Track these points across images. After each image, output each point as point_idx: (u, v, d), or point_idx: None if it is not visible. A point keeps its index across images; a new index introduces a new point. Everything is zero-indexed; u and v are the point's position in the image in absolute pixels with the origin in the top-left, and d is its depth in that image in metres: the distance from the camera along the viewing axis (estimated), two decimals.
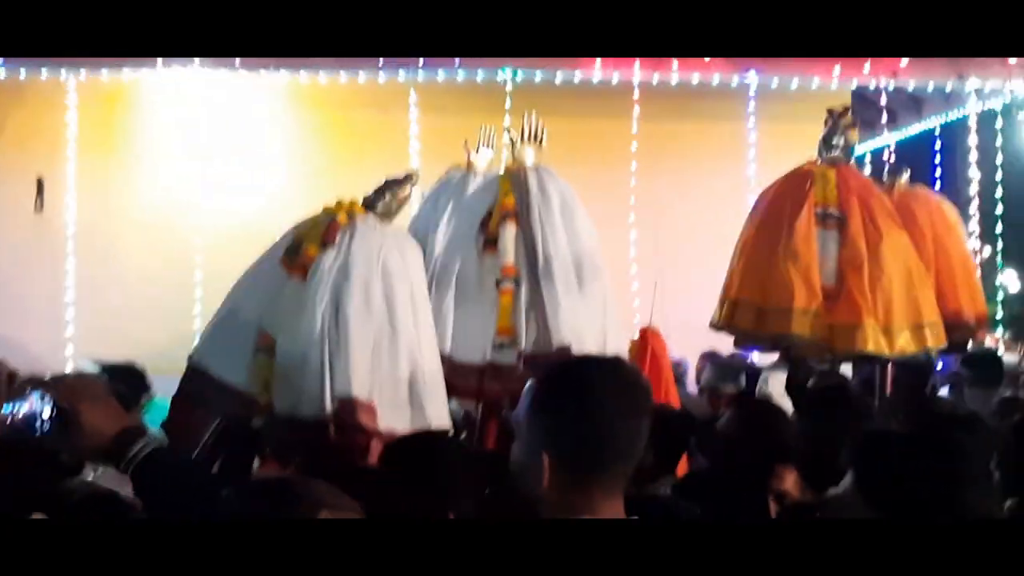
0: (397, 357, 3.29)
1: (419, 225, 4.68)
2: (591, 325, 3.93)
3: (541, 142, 4.25)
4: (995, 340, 9.58)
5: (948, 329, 5.20)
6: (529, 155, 4.21)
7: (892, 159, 10.13)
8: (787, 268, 4.73)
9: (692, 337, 6.26)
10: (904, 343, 4.73)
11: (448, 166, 4.67)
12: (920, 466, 1.96)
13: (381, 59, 8.48)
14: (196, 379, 3.39)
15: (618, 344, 4.05)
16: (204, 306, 8.33)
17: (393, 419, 3.16)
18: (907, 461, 1.98)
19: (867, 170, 8.49)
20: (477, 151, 4.90)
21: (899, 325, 4.72)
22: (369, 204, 3.61)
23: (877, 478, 2.00)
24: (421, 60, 8.44)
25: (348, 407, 3.13)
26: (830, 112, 5.17)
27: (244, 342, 3.36)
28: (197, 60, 8.28)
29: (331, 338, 3.21)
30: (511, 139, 4.24)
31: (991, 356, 6.11)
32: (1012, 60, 8.34)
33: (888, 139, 10.40)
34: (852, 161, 5.15)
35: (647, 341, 5.16)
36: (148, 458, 2.01)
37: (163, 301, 8.73)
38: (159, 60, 8.29)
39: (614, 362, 1.99)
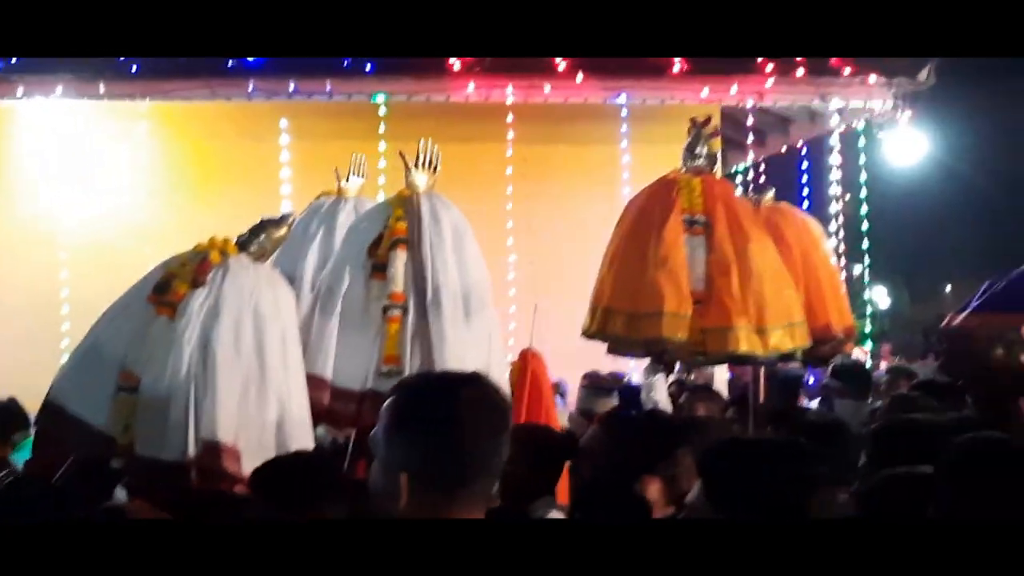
0: (265, 401, 3.25)
1: (288, 252, 4.62)
2: (476, 357, 3.91)
3: (435, 168, 4.22)
4: (864, 353, 9.93)
5: (817, 342, 5.36)
6: (422, 181, 4.18)
7: (760, 177, 10.46)
8: (657, 274, 4.81)
9: (572, 358, 6.33)
10: (777, 341, 4.84)
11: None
12: (761, 472, 2.02)
13: (251, 84, 8.41)
14: (52, 416, 3.29)
15: (501, 377, 4.06)
16: (72, 339, 8.10)
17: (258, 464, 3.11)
18: (750, 467, 2.04)
19: (738, 191, 8.75)
20: (348, 179, 4.91)
21: (772, 323, 4.83)
22: (243, 244, 3.56)
23: (721, 484, 2.05)
24: (292, 85, 8.41)
25: (212, 451, 3.07)
26: (692, 121, 5.28)
27: (105, 380, 3.26)
28: (59, 89, 8.10)
29: (198, 379, 3.15)
30: (404, 164, 4.20)
31: (860, 368, 6.32)
32: (872, 79, 8.73)
33: (757, 158, 10.73)
34: (716, 169, 5.27)
35: (527, 362, 5.19)
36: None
37: (29, 334, 8.47)
38: (20, 89, 8.11)
39: (472, 379, 1.99)
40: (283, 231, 3.68)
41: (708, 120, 5.31)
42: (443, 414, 1.86)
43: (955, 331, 5.34)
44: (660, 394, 4.41)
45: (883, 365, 8.27)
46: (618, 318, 4.96)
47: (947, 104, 14.33)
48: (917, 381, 5.98)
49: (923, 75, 8.57)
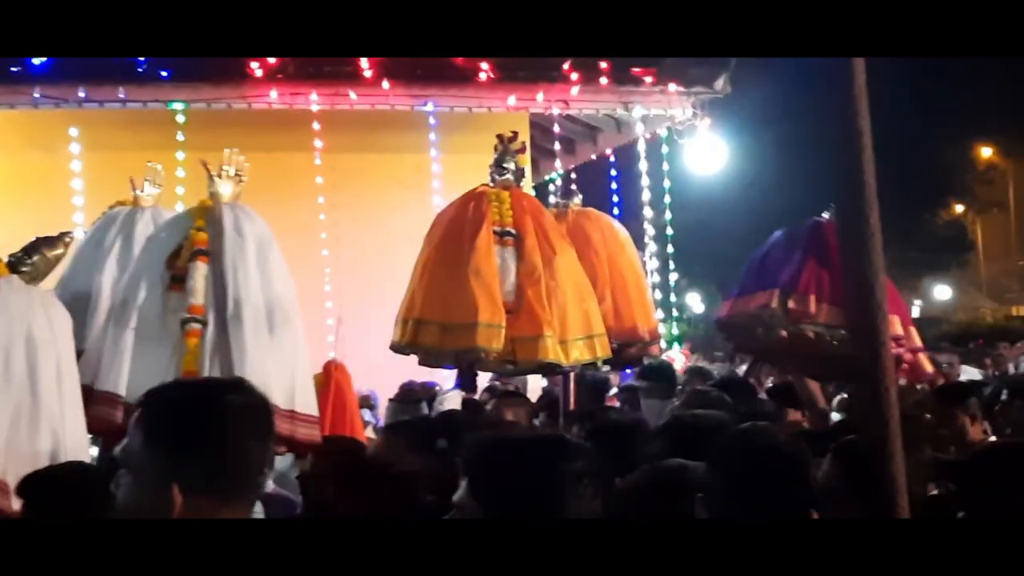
0: (37, 431, 3.10)
1: (84, 265, 4.43)
2: (279, 373, 3.84)
3: (240, 178, 4.13)
4: (687, 355, 10.28)
5: (625, 344, 5.54)
6: (226, 191, 4.08)
7: (568, 184, 10.68)
8: (470, 284, 4.87)
9: (385, 369, 6.32)
10: (579, 353, 4.98)
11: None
12: (519, 467, 2.07)
13: (37, 91, 8.02)
14: None
15: (306, 392, 4.01)
16: None
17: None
18: (508, 463, 2.09)
19: (552, 198, 8.94)
20: (143, 189, 4.77)
21: (574, 336, 4.98)
22: (13, 264, 3.38)
23: (483, 482, 2.09)
24: (82, 92, 8.06)
25: None
26: (500, 137, 5.39)
27: None
28: None
29: None
30: (207, 173, 4.09)
31: (666, 368, 6.55)
32: (671, 88, 9.08)
33: (567, 165, 10.97)
34: (522, 183, 5.40)
35: (331, 374, 5.17)
36: None
37: None
38: None
39: (235, 383, 1.99)
40: (59, 250, 3.52)
41: (515, 136, 5.42)
42: (209, 421, 1.84)
43: (724, 323, 5.60)
44: (451, 406, 4.47)
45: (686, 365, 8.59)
46: (430, 329, 4.99)
47: (746, 111, 15.07)
48: (715, 380, 6.24)
49: (719, 84, 8.97)
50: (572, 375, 5.54)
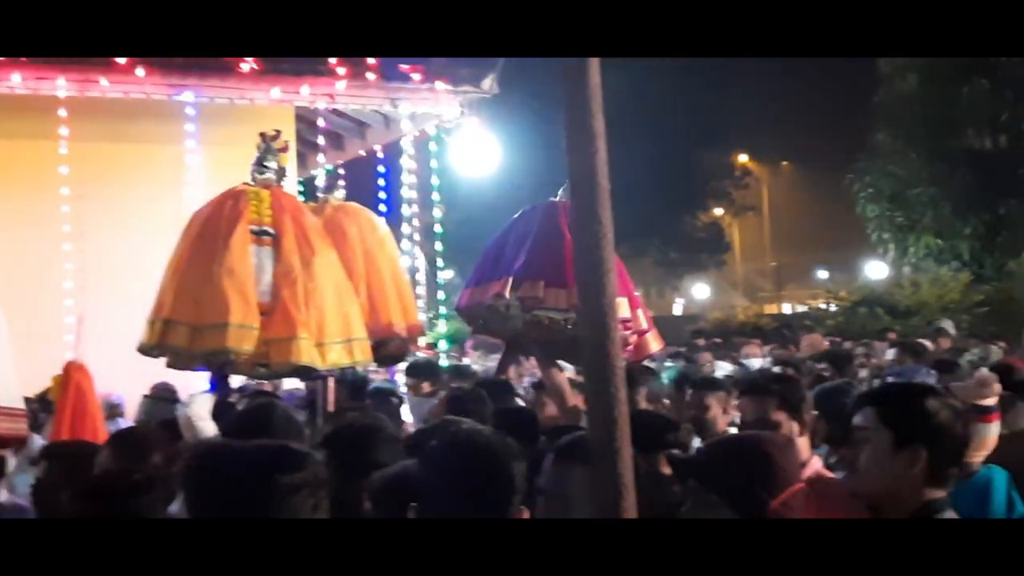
0: None
1: None
2: None
3: None
4: (470, 354, 10.28)
5: (383, 341, 5.50)
6: None
7: (336, 179, 10.53)
8: (223, 284, 4.72)
9: (134, 373, 6.02)
10: (336, 357, 4.91)
11: None
12: (230, 478, 2.00)
13: None
14: None
15: (9, 392, 3.78)
16: None
17: None
18: (219, 474, 2.01)
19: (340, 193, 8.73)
20: None
21: (331, 339, 4.90)
22: None
23: (192, 491, 2.01)
24: None
25: None
26: (262, 136, 5.26)
27: None
28: None
29: None
30: None
31: (431, 366, 6.58)
32: (439, 86, 9.09)
33: (334, 160, 10.82)
34: (283, 182, 5.28)
35: (71, 375, 4.90)
36: None
37: None
38: None
39: None
40: None
41: (278, 134, 5.31)
42: None
43: (464, 312, 5.66)
44: (195, 409, 4.28)
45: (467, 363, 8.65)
46: (180, 330, 4.80)
47: (517, 111, 15.33)
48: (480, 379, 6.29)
49: (487, 83, 9.06)
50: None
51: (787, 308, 38.17)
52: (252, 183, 5.16)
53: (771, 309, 39.01)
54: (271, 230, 5.00)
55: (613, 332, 2.08)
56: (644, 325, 5.84)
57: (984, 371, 3.71)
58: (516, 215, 5.62)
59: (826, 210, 38.31)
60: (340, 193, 6.07)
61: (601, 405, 2.05)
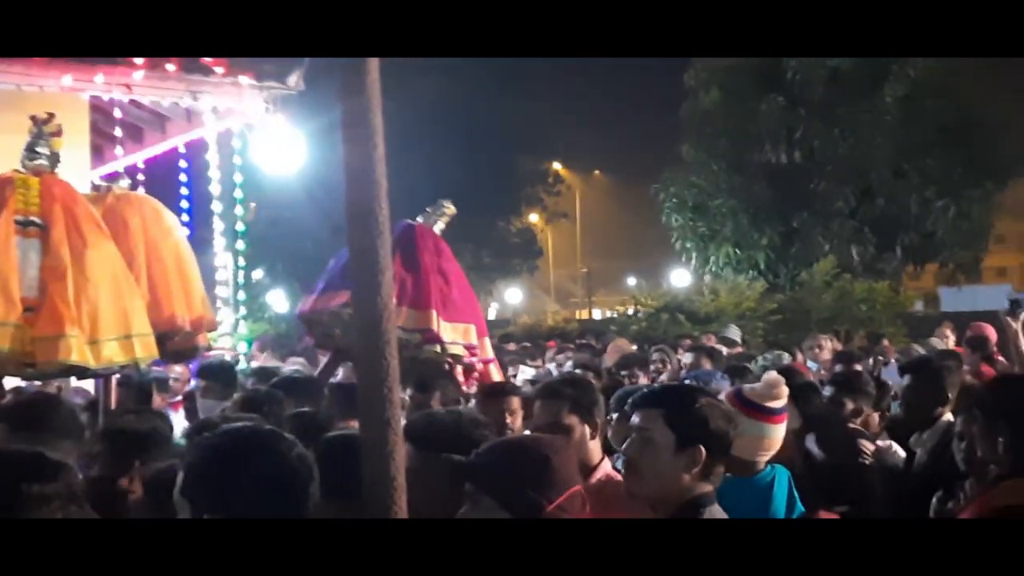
0: None
1: None
2: None
3: None
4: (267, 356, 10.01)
5: (166, 335, 5.31)
6: None
7: (136, 173, 10.17)
8: None
9: None
10: (112, 353, 4.70)
11: None
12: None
13: None
14: None
15: None
16: None
17: None
18: None
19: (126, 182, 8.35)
20: None
21: (107, 335, 4.69)
22: None
23: None
24: None
25: None
26: (33, 119, 4.99)
27: None
28: None
29: None
30: None
31: (225, 368, 6.39)
32: (242, 81, 8.88)
33: (131, 152, 10.41)
34: (57, 169, 5.03)
35: None
36: None
37: None
38: None
39: None
40: None
41: (50, 117, 5.04)
42: None
43: (306, 317, 5.62)
44: None
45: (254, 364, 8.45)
46: None
47: (325, 110, 15.10)
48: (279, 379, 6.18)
49: (292, 80, 8.92)
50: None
51: (597, 314, 39.11)
52: (22, 169, 4.90)
53: (582, 314, 39.89)
54: (39, 220, 4.73)
55: (388, 333, 2.09)
56: (490, 355, 5.92)
57: (773, 374, 3.89)
58: None
59: (635, 219, 39.62)
60: (124, 182, 5.84)
61: (374, 406, 2.06)
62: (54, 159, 4.94)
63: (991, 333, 9.74)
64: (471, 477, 2.62)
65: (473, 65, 24.91)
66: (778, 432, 3.69)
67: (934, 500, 4.28)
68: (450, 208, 6.18)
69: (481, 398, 5.13)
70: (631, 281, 39.99)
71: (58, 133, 5.02)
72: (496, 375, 6.12)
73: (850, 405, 5.31)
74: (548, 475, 2.58)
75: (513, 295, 43.49)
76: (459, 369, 5.83)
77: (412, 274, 5.29)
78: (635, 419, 2.91)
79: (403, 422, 2.06)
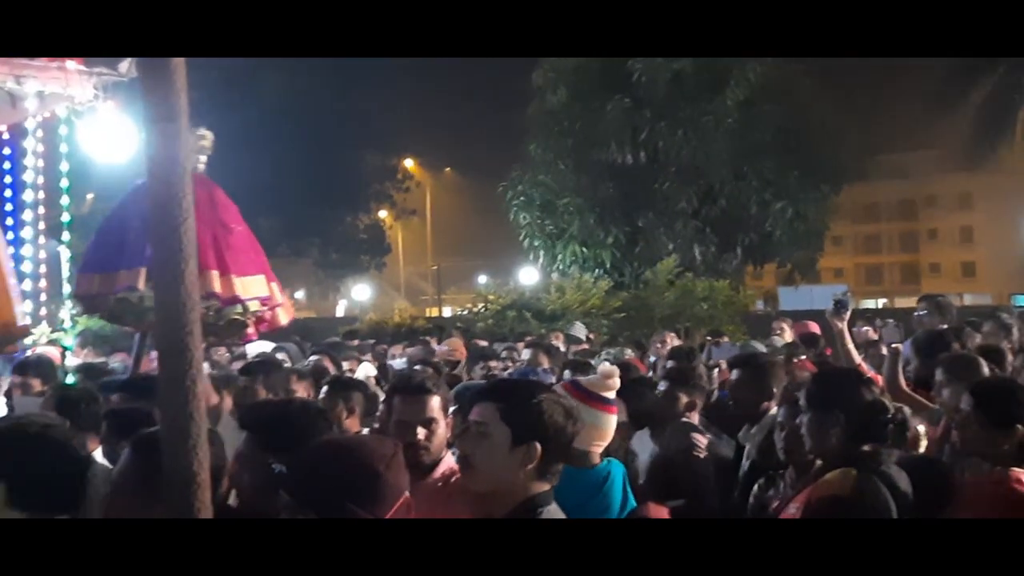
0: None
1: None
2: None
3: None
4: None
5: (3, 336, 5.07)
6: None
7: None
8: None
9: None
10: None
11: None
12: None
13: None
14: None
15: None
16: None
17: None
18: None
19: None
20: None
21: None
22: None
23: None
24: None
25: None
26: None
27: None
28: None
29: None
30: None
31: (43, 362, 6.15)
32: (70, 66, 8.50)
33: None
34: None
35: None
36: None
37: None
38: None
39: None
40: None
41: None
42: None
43: (86, 301, 5.39)
44: None
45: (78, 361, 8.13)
46: None
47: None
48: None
49: (124, 67, 8.58)
50: None
51: (447, 311, 39.12)
52: None
53: (432, 312, 39.84)
54: None
55: (192, 324, 2.00)
56: (279, 299, 5.77)
57: (607, 364, 3.92)
58: (130, 192, 5.30)
59: (486, 216, 39.76)
60: None
61: (175, 399, 1.96)
62: None
63: (818, 331, 10.17)
64: (289, 488, 2.42)
65: (320, 61, 24.60)
66: (612, 422, 3.73)
67: (755, 488, 4.41)
68: (208, 136, 5.70)
69: (327, 392, 5.03)
70: (481, 279, 40.21)
71: None
72: (284, 317, 5.95)
73: (684, 399, 5.43)
74: (375, 486, 2.40)
75: (361, 292, 43.12)
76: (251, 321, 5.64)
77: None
78: (472, 413, 2.87)
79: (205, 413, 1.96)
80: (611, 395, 3.75)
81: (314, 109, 27.75)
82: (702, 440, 5.10)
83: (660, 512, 3.48)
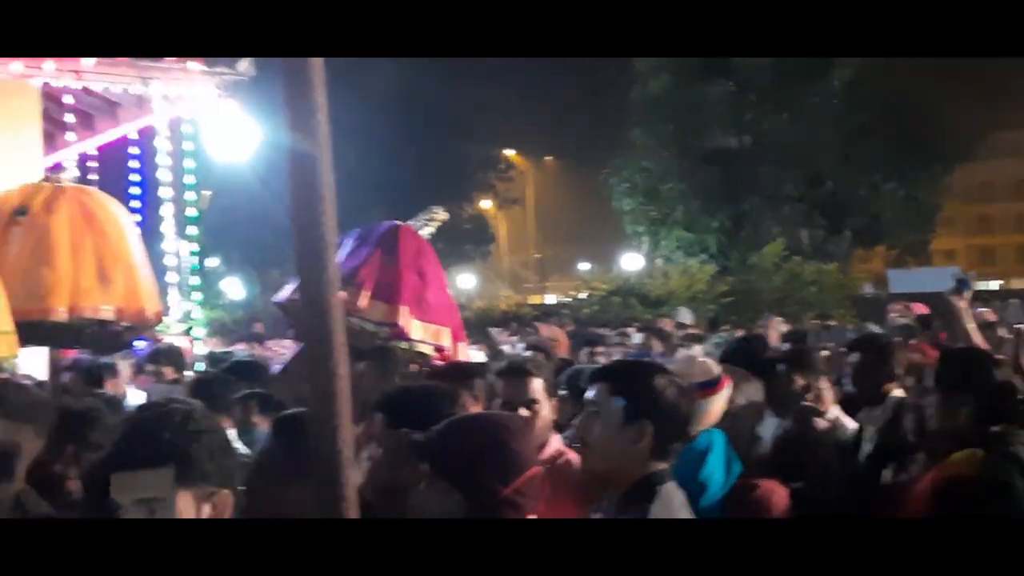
0: None
1: None
2: None
3: None
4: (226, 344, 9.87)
5: (134, 327, 5.28)
6: None
7: (85, 161, 10.00)
8: None
9: None
10: None
11: None
12: None
13: None
14: None
15: None
16: None
17: None
18: None
19: (72, 174, 8.13)
20: None
21: None
22: None
23: None
24: None
25: None
26: None
27: None
28: None
29: None
30: None
31: (174, 351, 6.35)
32: (192, 66, 8.73)
33: (83, 138, 10.22)
34: None
35: None
36: None
37: None
38: None
39: None
40: None
41: None
42: None
43: (283, 306, 5.63)
44: None
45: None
46: None
47: (275, 95, 14.91)
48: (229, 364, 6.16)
49: (243, 66, 8.77)
50: None
51: (551, 299, 39.20)
52: None
53: (535, 299, 39.97)
54: None
55: (334, 307, 2.04)
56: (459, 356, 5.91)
57: (683, 352, 3.89)
58: (358, 228, 5.64)
59: (587, 204, 39.66)
60: (67, 175, 5.74)
61: (320, 379, 2.01)
62: None
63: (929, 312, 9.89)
64: (427, 456, 2.50)
65: (424, 60, 24.85)
66: (715, 403, 3.71)
67: (887, 473, 4.31)
68: (440, 214, 6.23)
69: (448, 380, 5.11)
70: (583, 266, 40.16)
71: None
72: None
73: (801, 381, 5.33)
74: (505, 457, 2.44)
75: (466, 281, 43.47)
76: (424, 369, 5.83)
77: (388, 270, 5.30)
78: (588, 394, 2.88)
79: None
80: (707, 377, 3.72)
81: (417, 104, 28.05)
82: (822, 423, 5.00)
83: (777, 489, 3.43)
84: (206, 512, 2.16)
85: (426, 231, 6.12)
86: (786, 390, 5.24)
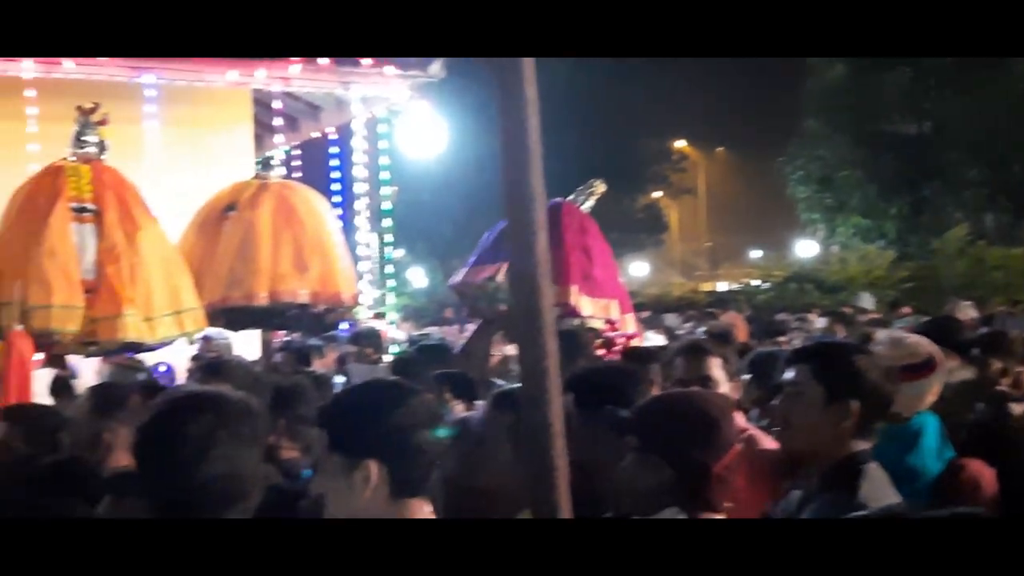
0: None
1: None
2: None
3: None
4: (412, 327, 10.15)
5: (330, 309, 5.48)
6: None
7: (291, 162, 10.42)
8: (44, 265, 4.59)
9: None
10: (166, 330, 4.81)
11: None
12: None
13: None
14: None
15: None
16: None
17: None
18: None
19: (280, 171, 8.50)
20: None
21: (160, 312, 4.79)
22: None
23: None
24: None
25: None
26: (79, 109, 5.11)
27: None
28: None
29: None
30: None
31: (374, 333, 6.54)
32: (387, 70, 8.98)
33: (291, 142, 10.67)
34: (105, 156, 5.11)
35: (13, 343, 4.78)
36: None
37: None
38: None
39: None
40: None
41: (95, 107, 5.15)
42: None
43: (456, 288, 5.74)
44: None
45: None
46: (8, 310, 4.68)
47: (465, 96, 15.18)
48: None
49: (434, 68, 8.96)
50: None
51: (722, 286, 38.50)
52: (72, 158, 5.01)
53: (707, 287, 39.31)
54: (92, 206, 4.86)
55: (544, 288, 2.06)
56: (631, 330, 5.91)
57: (883, 333, 3.72)
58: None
59: (759, 192, 38.71)
60: (275, 171, 6.00)
61: (531, 356, 2.04)
62: (101, 146, 5.04)
63: None
64: (636, 432, 2.49)
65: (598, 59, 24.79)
66: (928, 386, 3.53)
67: None
68: (599, 186, 6.21)
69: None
70: (755, 254, 39.18)
71: (104, 122, 5.13)
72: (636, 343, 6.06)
73: (996, 365, 5.04)
74: (714, 434, 2.44)
75: (639, 269, 43.12)
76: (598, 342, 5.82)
77: (554, 251, 5.31)
78: (787, 375, 2.81)
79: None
80: (916, 360, 3.54)
81: (592, 99, 28.00)
82: (1017, 409, 4.72)
83: (984, 471, 3.26)
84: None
85: (587, 205, 6.07)
86: (982, 374, 4.98)
